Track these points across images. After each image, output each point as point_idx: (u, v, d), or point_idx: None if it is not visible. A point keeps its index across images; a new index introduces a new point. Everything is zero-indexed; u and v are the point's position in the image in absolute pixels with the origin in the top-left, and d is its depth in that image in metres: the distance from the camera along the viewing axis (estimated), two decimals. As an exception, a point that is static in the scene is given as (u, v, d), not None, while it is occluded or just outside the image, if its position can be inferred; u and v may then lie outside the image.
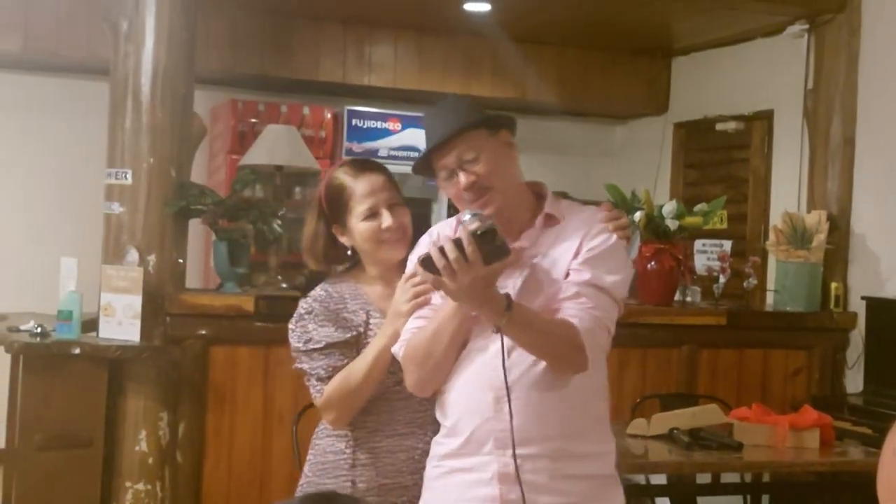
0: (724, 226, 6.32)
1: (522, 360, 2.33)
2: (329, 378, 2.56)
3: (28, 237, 6.69)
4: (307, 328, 2.60)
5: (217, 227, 4.69)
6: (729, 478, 4.57)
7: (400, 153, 7.21)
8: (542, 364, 2.34)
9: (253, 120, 6.79)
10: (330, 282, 2.68)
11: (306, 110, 6.99)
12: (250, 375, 4.57)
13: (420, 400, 2.55)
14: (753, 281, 5.53)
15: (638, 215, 4.98)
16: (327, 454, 2.62)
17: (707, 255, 5.59)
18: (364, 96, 7.31)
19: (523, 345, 2.32)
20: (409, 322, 2.45)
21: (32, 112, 6.80)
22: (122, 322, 4.35)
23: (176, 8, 4.54)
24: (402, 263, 2.61)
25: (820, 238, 5.45)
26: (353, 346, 2.58)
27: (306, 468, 2.68)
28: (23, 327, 4.38)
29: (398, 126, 7.24)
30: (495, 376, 2.32)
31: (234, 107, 6.81)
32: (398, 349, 2.45)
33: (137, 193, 4.50)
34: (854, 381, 5.48)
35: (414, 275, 2.46)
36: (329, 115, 7.07)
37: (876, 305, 5.32)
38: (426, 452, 2.53)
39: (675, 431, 3.92)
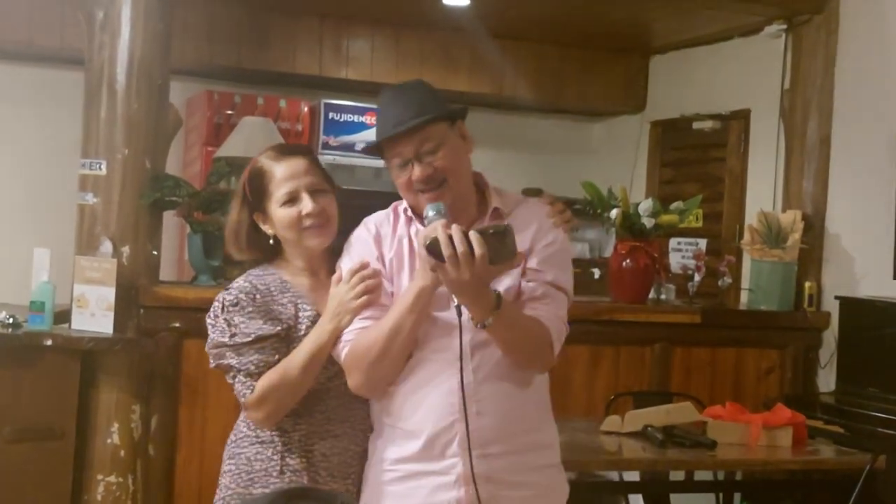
0: (700, 224, 6.34)
1: (486, 360, 2.32)
2: (259, 374, 2.43)
3: (1, 227, 6.63)
4: (233, 321, 2.47)
5: (192, 220, 4.67)
6: (702, 475, 4.59)
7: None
8: (505, 363, 2.33)
9: (229, 112, 6.75)
10: (254, 273, 2.56)
11: (283, 103, 6.96)
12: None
13: (353, 398, 2.46)
14: (728, 280, 5.56)
15: (614, 213, 4.99)
16: (253, 463, 2.49)
17: (682, 254, 5.61)
18: (341, 90, 7.28)
19: (503, 342, 2.31)
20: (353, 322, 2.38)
21: (5, 101, 6.72)
22: (95, 314, 4.32)
23: (152, -2, 4.51)
24: (328, 253, 2.53)
25: (795, 238, 5.48)
26: (284, 340, 2.46)
27: (226, 479, 2.53)
28: (-6, 318, 4.34)
29: (375, 120, 7.21)
30: (461, 378, 2.30)
31: (210, 98, 6.77)
32: (340, 349, 2.38)
33: (112, 184, 4.47)
34: (826, 381, 5.51)
35: (360, 269, 2.40)
36: (306, 108, 7.04)
37: (849, 305, 5.35)
38: (358, 454, 2.48)
39: (649, 429, 3.93)
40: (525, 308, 2.35)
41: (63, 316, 4.42)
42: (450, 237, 2.15)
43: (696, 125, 6.88)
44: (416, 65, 7.11)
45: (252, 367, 2.44)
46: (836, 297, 5.44)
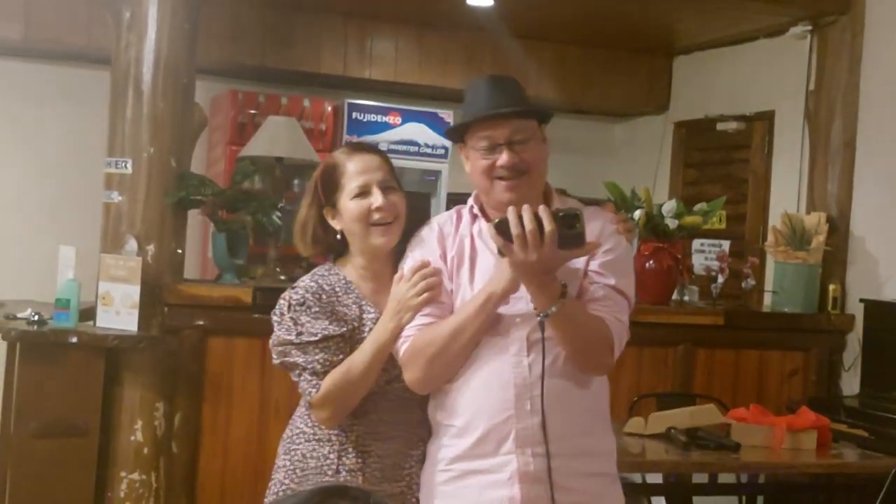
0: (723, 226, 6.32)
1: (546, 358, 2.31)
2: (325, 373, 2.45)
3: (27, 225, 6.67)
4: (299, 320, 2.49)
5: (216, 218, 4.69)
6: (725, 478, 4.57)
7: (400, 147, 7.19)
8: (564, 362, 2.33)
9: (253, 111, 6.77)
10: (319, 273, 2.58)
11: (307, 102, 6.98)
12: (247, 367, 4.56)
13: (408, 401, 2.48)
14: (751, 281, 5.53)
15: (637, 214, 4.98)
16: (308, 460, 2.52)
17: (705, 255, 5.59)
18: (364, 89, 7.30)
19: (563, 337, 2.30)
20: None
21: (32, 100, 6.77)
22: (119, 311, 4.34)
23: (179, -2, 4.53)
24: (393, 256, 2.55)
25: (819, 240, 5.45)
26: (348, 341, 2.49)
27: (280, 475, 2.55)
28: (20, 315, 4.37)
29: (398, 120, 7.22)
30: (517, 374, 2.31)
31: (234, 98, 6.80)
32: (400, 345, 2.40)
33: (137, 183, 4.49)
34: (850, 384, 5.48)
35: (421, 267, 2.42)
36: (329, 108, 7.05)
37: (874, 308, 5.32)
38: (412, 457, 2.50)
39: (673, 431, 3.92)
40: (587, 308, 2.36)
41: (88, 313, 4.45)
42: (520, 217, 2.16)
43: (719, 126, 6.85)
44: (440, 65, 7.13)
45: (318, 366, 2.46)
46: (861, 300, 5.41)
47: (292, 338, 2.49)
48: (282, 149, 5.39)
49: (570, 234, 2.17)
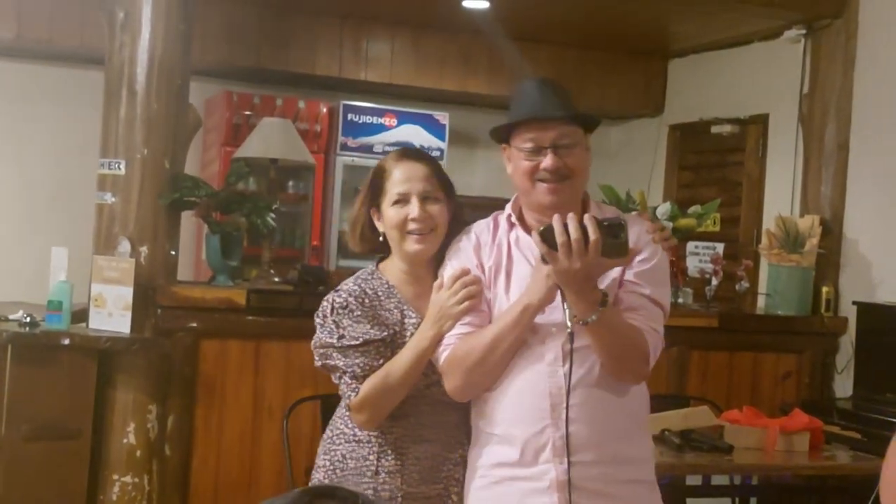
0: (718, 228, 6.30)
1: (580, 366, 2.32)
2: (365, 377, 2.48)
3: (19, 226, 6.67)
4: (341, 323, 2.51)
5: (210, 220, 4.68)
6: (719, 480, 4.57)
7: (395, 149, 7.19)
8: (599, 370, 2.34)
9: (248, 112, 6.77)
10: (362, 277, 2.61)
11: (302, 104, 6.98)
12: (240, 369, 4.55)
13: (447, 405, 2.51)
14: (745, 284, 5.54)
15: (632, 216, 4.98)
16: (347, 461, 2.54)
17: (700, 258, 5.59)
18: (360, 91, 7.30)
19: (601, 345, 2.31)
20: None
21: (25, 100, 6.76)
22: (112, 313, 4.33)
23: (173, -1, 4.53)
24: (435, 261, 2.57)
25: (812, 242, 5.46)
26: (389, 345, 2.51)
27: (319, 475, 2.59)
28: (12, 317, 4.35)
29: (394, 122, 7.23)
30: (553, 383, 2.33)
31: (229, 99, 6.80)
32: (440, 353, 2.42)
33: (130, 184, 4.48)
34: (843, 386, 5.49)
35: (461, 275, 2.44)
36: (325, 109, 7.05)
37: (867, 311, 5.32)
38: (450, 460, 2.52)
39: (667, 433, 3.91)
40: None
41: (80, 315, 4.43)
42: (565, 225, 2.17)
43: (714, 129, 6.86)
44: (436, 67, 7.13)
45: (357, 370, 2.49)
46: (854, 303, 5.42)
47: (333, 341, 2.52)
48: (276, 150, 5.38)
49: (614, 242, 2.19)
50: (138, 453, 4.43)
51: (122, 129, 4.49)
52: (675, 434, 3.90)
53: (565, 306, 2.28)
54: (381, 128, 7.20)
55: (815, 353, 5.52)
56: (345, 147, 7.07)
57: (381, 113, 7.20)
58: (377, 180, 2.60)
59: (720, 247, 5.59)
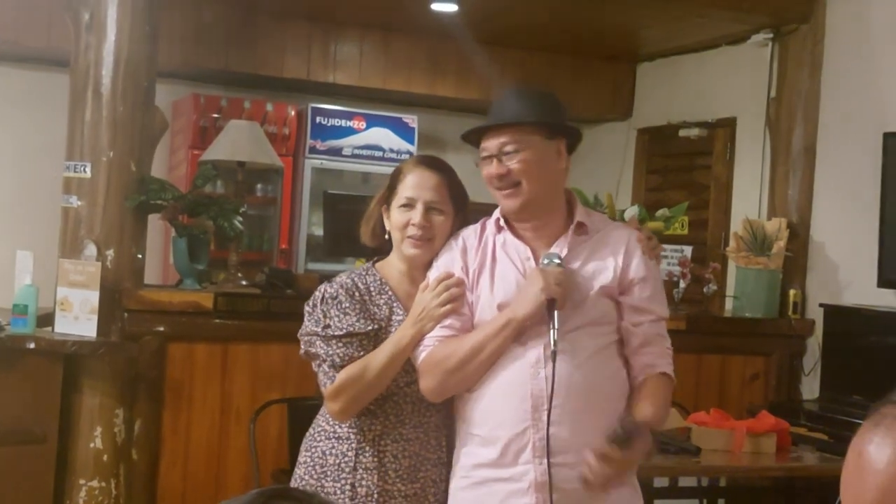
0: (685, 231, 6.35)
1: (562, 368, 2.34)
2: (343, 367, 2.51)
3: (-16, 229, 6.60)
4: (329, 313, 2.56)
5: (177, 223, 4.65)
6: (686, 482, 4.59)
7: (364, 152, 7.19)
8: (581, 372, 2.38)
9: (215, 115, 6.74)
10: (357, 272, 2.66)
11: (270, 106, 6.95)
12: (208, 373, 4.53)
13: (428, 406, 2.54)
14: (713, 287, 5.57)
15: (600, 219, 4.99)
16: (328, 457, 2.57)
17: (667, 261, 5.61)
18: (328, 94, 7.28)
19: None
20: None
21: (-9, 102, 6.71)
22: (78, 317, 4.29)
23: (139, 0, 4.49)
24: (430, 265, 2.62)
25: (779, 245, 5.49)
26: (373, 339, 2.55)
27: (301, 471, 2.62)
28: (-23, 320, 4.32)
29: (362, 125, 7.21)
30: (535, 385, 2.36)
31: (196, 101, 6.76)
32: (419, 353, 2.46)
33: (96, 187, 4.44)
34: (810, 388, 5.52)
35: (445, 278, 2.49)
36: (293, 112, 7.03)
37: (833, 313, 5.36)
38: (429, 461, 2.55)
39: (634, 435, 3.92)
40: (640, 355, 2.48)
41: (46, 319, 4.39)
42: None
43: (682, 133, 6.89)
44: (405, 70, 7.12)
45: (337, 359, 2.52)
46: (821, 305, 5.45)
47: (318, 329, 2.56)
48: (244, 153, 5.36)
49: (631, 450, 2.29)
50: (105, 457, 4.39)
51: (88, 131, 4.46)
52: (643, 436, 3.90)
53: (552, 326, 2.33)
54: (350, 131, 7.19)
55: (783, 355, 5.56)
56: (313, 150, 7.05)
57: (349, 116, 7.19)
58: (392, 181, 2.68)
59: (688, 250, 5.61)
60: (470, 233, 2.58)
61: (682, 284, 5.45)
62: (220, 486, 4.53)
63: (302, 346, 2.62)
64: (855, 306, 5.27)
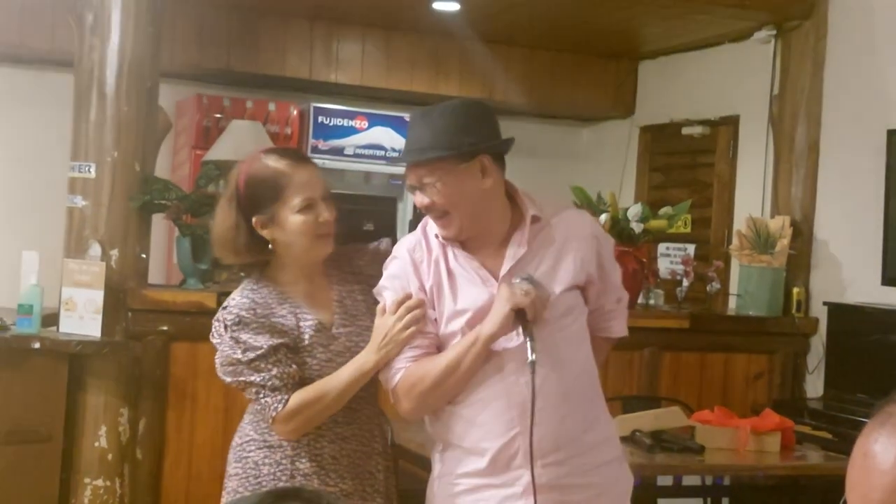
0: (689, 230, 6.35)
1: (540, 372, 2.32)
2: (285, 386, 2.41)
3: (-11, 230, 6.61)
4: (239, 338, 2.44)
5: (180, 223, 4.66)
6: (690, 480, 4.59)
7: (366, 151, 7.19)
8: (557, 373, 2.38)
9: (218, 115, 6.74)
10: (248, 288, 2.52)
11: (272, 106, 6.95)
12: (212, 372, 4.43)
13: (360, 400, 2.49)
14: (716, 285, 5.57)
15: (603, 218, 4.99)
16: (260, 467, 2.49)
17: (671, 259, 5.62)
18: (330, 93, 7.28)
19: None
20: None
21: (-5, 104, 6.71)
22: (83, 317, 4.30)
23: (142, 1, 4.50)
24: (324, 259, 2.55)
25: (783, 243, 5.49)
26: (293, 350, 2.45)
27: (234, 483, 2.53)
28: (-18, 321, 4.33)
29: (364, 124, 7.21)
30: (518, 393, 2.35)
31: (199, 101, 6.77)
32: (392, 377, 2.41)
33: (101, 187, 4.45)
34: (814, 386, 5.52)
35: (405, 300, 2.41)
36: (295, 112, 7.04)
37: (837, 311, 5.36)
38: (366, 454, 2.52)
39: (638, 433, 3.93)
40: (604, 322, 2.62)
41: (51, 319, 4.40)
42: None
43: (685, 130, 6.89)
44: (407, 69, 7.12)
45: (276, 381, 2.42)
46: (825, 303, 5.45)
47: (239, 356, 2.44)
48: (246, 152, 5.27)
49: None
50: (110, 457, 4.40)
51: (93, 131, 4.47)
52: (646, 435, 3.91)
53: (526, 337, 2.30)
54: (352, 130, 7.19)
55: (786, 353, 5.55)
56: (315, 149, 7.05)
57: (351, 115, 7.19)
58: (266, 188, 2.48)
59: (691, 248, 5.62)
60: (413, 246, 2.47)
61: (686, 283, 5.45)
62: (223, 484, 4.53)
63: (227, 377, 2.49)
64: (859, 304, 5.27)
